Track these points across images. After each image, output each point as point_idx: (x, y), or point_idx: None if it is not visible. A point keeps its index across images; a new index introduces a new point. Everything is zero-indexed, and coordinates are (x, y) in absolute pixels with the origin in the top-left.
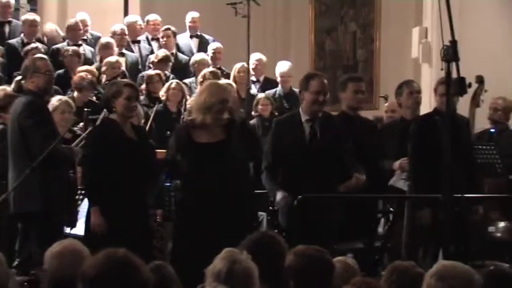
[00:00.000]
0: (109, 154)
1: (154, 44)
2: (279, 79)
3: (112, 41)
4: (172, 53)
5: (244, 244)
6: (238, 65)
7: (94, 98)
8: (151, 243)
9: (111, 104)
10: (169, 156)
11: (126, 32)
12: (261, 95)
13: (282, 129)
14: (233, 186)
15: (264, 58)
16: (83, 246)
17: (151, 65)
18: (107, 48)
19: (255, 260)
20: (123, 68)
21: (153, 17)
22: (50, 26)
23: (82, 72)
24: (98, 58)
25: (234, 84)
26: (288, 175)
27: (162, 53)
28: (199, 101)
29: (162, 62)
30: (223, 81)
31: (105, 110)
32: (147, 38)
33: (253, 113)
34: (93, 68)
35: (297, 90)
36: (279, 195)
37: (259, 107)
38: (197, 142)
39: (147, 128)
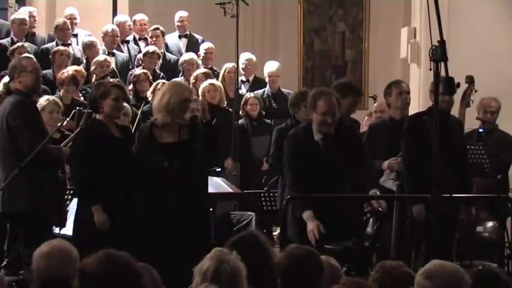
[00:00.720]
0: (98, 154)
1: (142, 44)
2: (267, 79)
3: (95, 39)
4: (161, 53)
5: (230, 243)
6: (227, 65)
7: (82, 98)
8: None
9: (98, 105)
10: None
11: (118, 33)
12: (249, 95)
13: (297, 146)
14: (195, 186)
15: (253, 58)
16: (71, 246)
17: (140, 62)
18: (91, 48)
19: (242, 260)
20: (113, 66)
21: (140, 16)
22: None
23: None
24: (83, 59)
25: (220, 84)
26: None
27: (150, 48)
28: (161, 101)
29: (150, 57)
30: (210, 80)
31: None
32: (134, 38)
33: (240, 112)
34: (81, 68)
35: (285, 90)
36: (311, 224)
37: (248, 106)
38: (159, 142)
39: (133, 128)
